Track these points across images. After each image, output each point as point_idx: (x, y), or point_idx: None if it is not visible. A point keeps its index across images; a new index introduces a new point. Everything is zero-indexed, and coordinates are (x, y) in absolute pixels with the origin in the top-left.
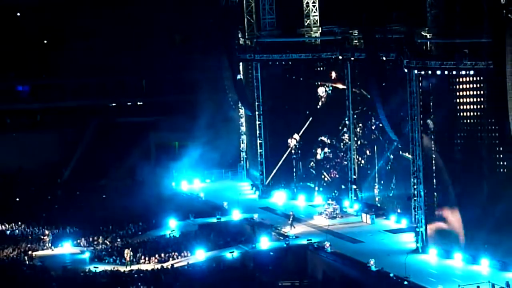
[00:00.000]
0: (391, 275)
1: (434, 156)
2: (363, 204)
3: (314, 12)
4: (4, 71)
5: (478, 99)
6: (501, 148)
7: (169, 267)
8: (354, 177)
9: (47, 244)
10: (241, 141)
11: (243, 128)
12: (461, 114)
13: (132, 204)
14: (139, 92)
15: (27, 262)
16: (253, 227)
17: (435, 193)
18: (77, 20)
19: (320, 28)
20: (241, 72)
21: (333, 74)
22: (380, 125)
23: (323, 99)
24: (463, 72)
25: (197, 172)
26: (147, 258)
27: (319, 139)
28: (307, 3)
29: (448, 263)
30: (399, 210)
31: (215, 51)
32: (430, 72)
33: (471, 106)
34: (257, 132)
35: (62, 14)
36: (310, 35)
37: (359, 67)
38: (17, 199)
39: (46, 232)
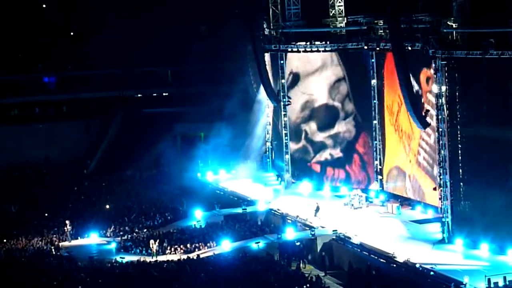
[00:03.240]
0: (417, 265)
1: (460, 146)
2: (389, 194)
3: (339, 2)
4: (31, 63)
5: (505, 89)
6: None
7: (195, 257)
8: (380, 167)
9: (69, 235)
10: (266, 132)
11: (269, 119)
12: (488, 103)
13: (158, 195)
14: (164, 83)
15: (53, 253)
16: (280, 217)
17: (461, 183)
18: (103, 11)
19: (345, 18)
20: (266, 62)
21: None
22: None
23: None
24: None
25: (223, 162)
26: (173, 249)
27: None
28: None
29: (474, 253)
30: None
31: (240, 42)
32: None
33: (498, 96)
34: (282, 122)
35: (87, 5)
36: (335, 25)
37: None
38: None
39: (67, 222)
